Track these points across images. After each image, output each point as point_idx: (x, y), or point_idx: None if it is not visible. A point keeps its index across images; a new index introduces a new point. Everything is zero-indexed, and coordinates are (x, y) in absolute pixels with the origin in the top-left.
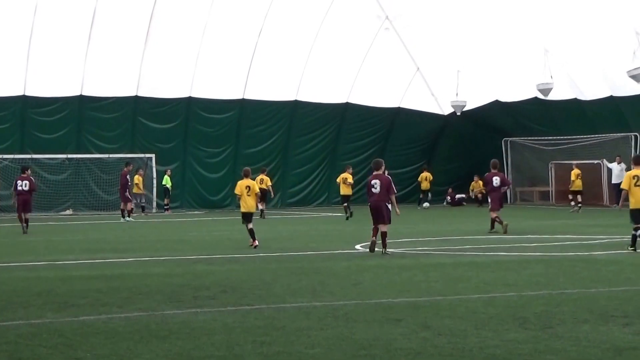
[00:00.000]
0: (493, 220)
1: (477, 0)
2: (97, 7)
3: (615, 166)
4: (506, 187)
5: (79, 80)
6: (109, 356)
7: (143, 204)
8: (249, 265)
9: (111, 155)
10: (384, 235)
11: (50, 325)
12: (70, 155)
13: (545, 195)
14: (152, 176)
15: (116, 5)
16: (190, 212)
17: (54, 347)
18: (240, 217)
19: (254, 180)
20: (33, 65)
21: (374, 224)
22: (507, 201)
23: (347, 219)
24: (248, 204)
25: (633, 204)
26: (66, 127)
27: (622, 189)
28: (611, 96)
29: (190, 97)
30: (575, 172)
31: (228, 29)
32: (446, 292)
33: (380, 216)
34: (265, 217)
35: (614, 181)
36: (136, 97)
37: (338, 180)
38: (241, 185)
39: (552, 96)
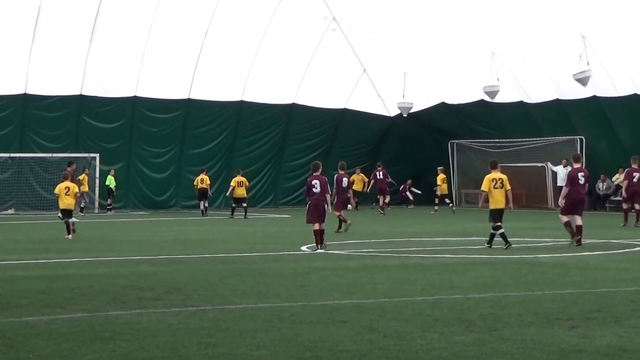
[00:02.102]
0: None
1: (424, 2)
2: (42, 4)
3: (560, 169)
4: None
5: (23, 79)
6: (51, 357)
7: (86, 204)
8: (193, 266)
9: (55, 155)
10: (322, 232)
11: None
12: (13, 155)
13: None
14: (95, 176)
15: (61, 3)
16: (134, 213)
17: None
18: (60, 213)
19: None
20: None
21: (312, 221)
22: (455, 203)
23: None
24: (66, 202)
25: (492, 204)
26: (9, 125)
27: (482, 191)
28: (557, 99)
29: (135, 97)
30: (441, 177)
31: (174, 28)
32: (392, 294)
33: (320, 214)
34: (208, 215)
35: (559, 184)
36: (81, 96)
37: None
38: (61, 187)
39: (499, 99)
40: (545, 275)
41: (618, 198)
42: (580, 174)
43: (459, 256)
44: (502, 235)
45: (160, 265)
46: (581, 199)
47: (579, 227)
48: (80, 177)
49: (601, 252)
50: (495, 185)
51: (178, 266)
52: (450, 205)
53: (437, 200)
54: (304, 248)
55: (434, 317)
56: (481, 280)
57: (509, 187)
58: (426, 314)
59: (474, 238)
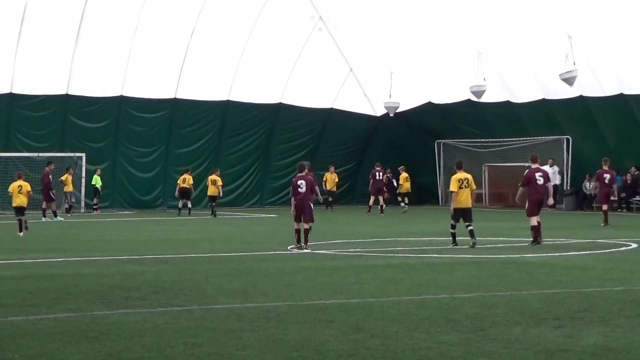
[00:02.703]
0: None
1: (412, 3)
2: (28, 3)
3: (547, 169)
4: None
5: (9, 78)
6: (37, 357)
7: (72, 203)
8: (180, 265)
9: (40, 154)
10: (306, 231)
11: None
12: None
13: (478, 198)
14: (82, 175)
15: (48, 3)
16: (120, 212)
17: None
18: (14, 211)
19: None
20: None
21: (297, 220)
22: (438, 203)
23: None
24: (19, 200)
25: (457, 203)
26: None
27: (451, 192)
28: (544, 99)
29: (121, 96)
30: (404, 175)
31: (160, 27)
32: (378, 293)
33: (305, 213)
34: (191, 214)
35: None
36: (67, 95)
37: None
38: (14, 185)
39: (485, 98)
40: (532, 275)
41: None
42: (537, 174)
43: (446, 256)
44: (453, 235)
45: (146, 265)
46: (541, 200)
47: (538, 226)
48: (63, 178)
49: (587, 252)
50: (461, 186)
51: (164, 266)
52: (403, 205)
53: (400, 198)
54: (290, 248)
55: (420, 317)
56: (467, 280)
57: (474, 187)
58: (412, 314)
59: (460, 238)
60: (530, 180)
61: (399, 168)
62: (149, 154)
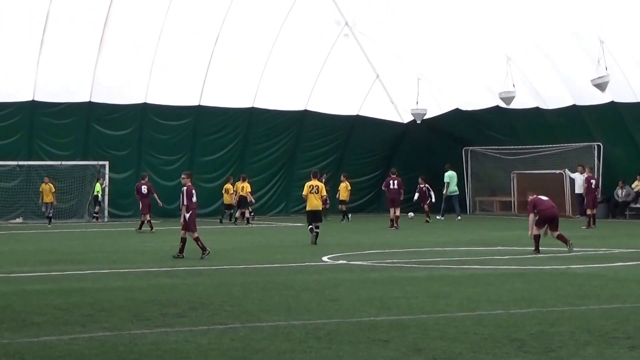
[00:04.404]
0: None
1: (439, 7)
2: (51, 11)
3: (578, 176)
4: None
5: (31, 86)
6: None
7: (49, 214)
8: (215, 278)
9: (64, 163)
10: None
11: (8, 346)
12: (21, 162)
13: (506, 206)
14: (106, 184)
15: (70, 9)
16: None
17: None
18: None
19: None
20: None
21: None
22: (466, 211)
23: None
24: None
25: (311, 207)
26: (17, 133)
27: (303, 196)
28: (574, 105)
29: (145, 103)
30: (344, 184)
31: (184, 34)
32: (429, 309)
33: (194, 223)
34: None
35: (577, 191)
36: (90, 103)
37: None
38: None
39: (514, 105)
40: (584, 288)
41: (638, 205)
42: (541, 197)
43: (487, 267)
44: (311, 230)
45: (179, 277)
46: (552, 216)
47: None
48: (41, 188)
49: (636, 262)
50: (312, 191)
51: (198, 278)
52: (343, 213)
53: (340, 207)
54: (325, 258)
55: (481, 336)
56: (518, 293)
57: (324, 193)
58: (472, 332)
59: (499, 247)
60: (536, 203)
61: (342, 175)
62: (173, 161)
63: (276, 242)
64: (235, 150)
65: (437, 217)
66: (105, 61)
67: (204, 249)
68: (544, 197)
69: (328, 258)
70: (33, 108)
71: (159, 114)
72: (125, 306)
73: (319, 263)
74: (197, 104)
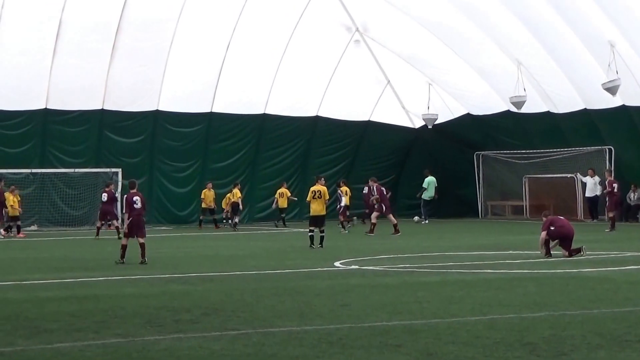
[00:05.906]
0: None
1: (449, 12)
2: (63, 18)
3: (589, 180)
4: None
5: (44, 94)
6: None
7: (10, 223)
8: (226, 284)
9: (77, 170)
10: (142, 245)
11: (22, 353)
12: (34, 170)
13: (518, 210)
14: (118, 191)
15: (83, 17)
16: (157, 228)
17: None
18: None
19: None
20: None
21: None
22: (478, 215)
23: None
24: None
25: (312, 212)
26: (30, 141)
27: (308, 202)
28: (585, 109)
29: (157, 111)
30: (282, 190)
31: (196, 41)
32: (441, 313)
33: (139, 229)
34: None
35: (587, 195)
36: (102, 110)
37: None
38: None
39: (525, 109)
40: (596, 291)
41: None
42: (556, 217)
43: (500, 271)
44: (311, 237)
45: (191, 283)
46: (567, 234)
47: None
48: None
49: None
50: (314, 197)
51: (210, 285)
52: (278, 222)
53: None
54: (337, 264)
55: (493, 340)
56: (530, 297)
57: (327, 197)
58: (484, 336)
59: (510, 252)
60: (553, 221)
61: (282, 183)
62: (185, 168)
63: (288, 248)
64: (248, 156)
65: (423, 222)
66: (118, 69)
67: (122, 257)
68: (561, 217)
69: (340, 263)
70: (46, 116)
71: (171, 121)
72: (138, 313)
73: (331, 268)
74: (209, 110)
